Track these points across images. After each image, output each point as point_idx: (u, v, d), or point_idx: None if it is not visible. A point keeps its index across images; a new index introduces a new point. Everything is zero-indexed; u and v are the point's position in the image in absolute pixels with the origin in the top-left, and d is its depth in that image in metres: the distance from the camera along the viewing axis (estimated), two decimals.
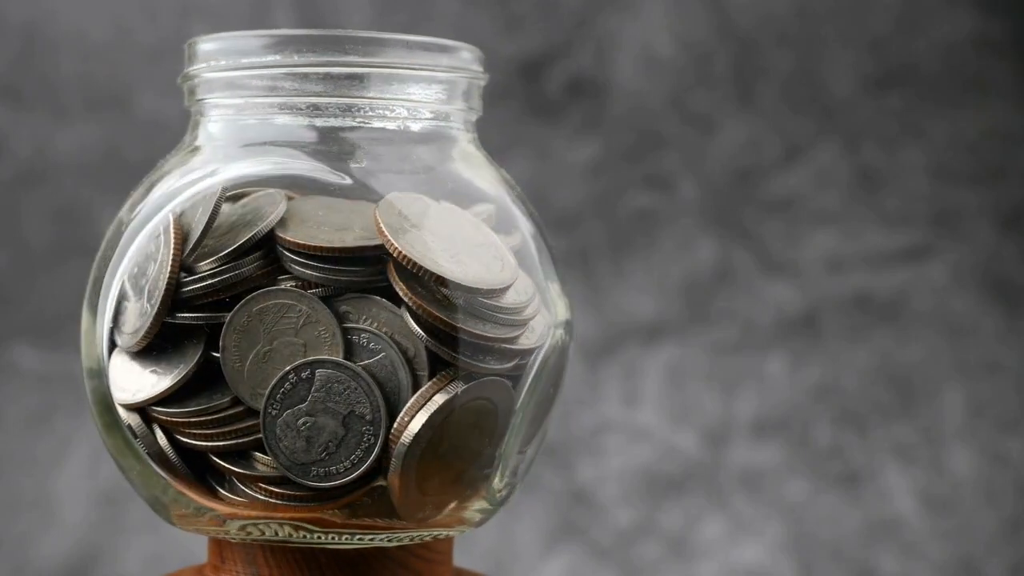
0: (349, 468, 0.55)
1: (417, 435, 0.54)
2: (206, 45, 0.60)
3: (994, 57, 1.20)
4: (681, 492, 1.15)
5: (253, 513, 0.56)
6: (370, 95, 0.58)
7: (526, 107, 1.19)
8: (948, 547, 1.14)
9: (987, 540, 1.14)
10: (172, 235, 0.55)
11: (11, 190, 1.16)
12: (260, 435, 0.54)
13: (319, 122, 0.59)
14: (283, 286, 0.55)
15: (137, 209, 0.59)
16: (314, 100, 0.58)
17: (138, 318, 0.56)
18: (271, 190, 0.57)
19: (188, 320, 0.55)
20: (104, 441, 0.59)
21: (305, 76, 0.58)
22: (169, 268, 0.55)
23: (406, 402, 0.55)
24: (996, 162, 1.19)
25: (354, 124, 0.59)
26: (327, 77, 0.58)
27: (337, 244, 0.55)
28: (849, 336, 1.18)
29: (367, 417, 0.54)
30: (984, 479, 1.15)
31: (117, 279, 0.57)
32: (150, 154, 0.63)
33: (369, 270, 0.55)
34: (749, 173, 1.19)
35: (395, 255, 0.55)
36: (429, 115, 0.60)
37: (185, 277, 0.55)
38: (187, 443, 0.55)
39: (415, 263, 0.55)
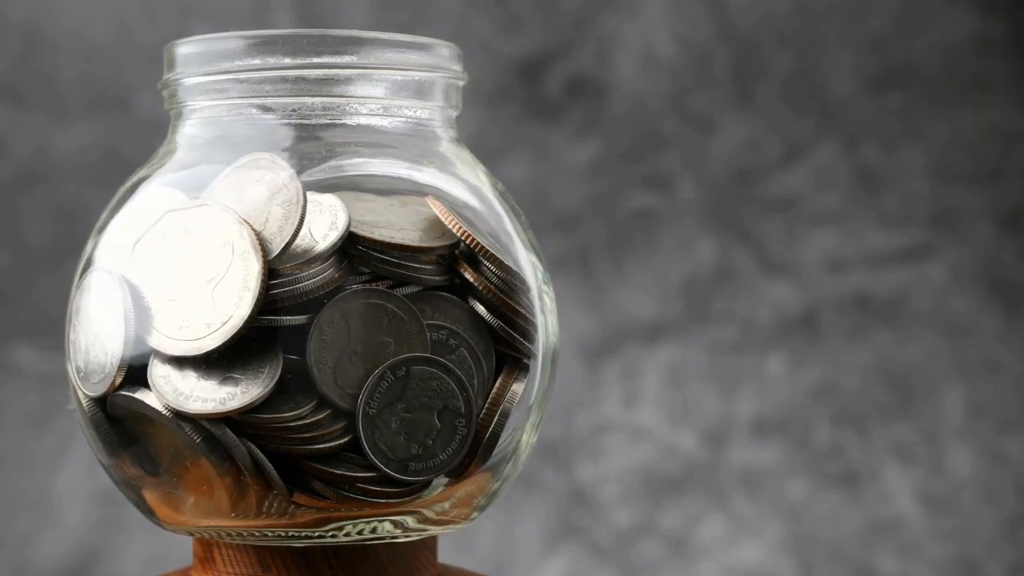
0: (445, 461, 0.56)
1: (503, 424, 0.57)
2: (181, 49, 0.60)
3: (994, 57, 1.20)
4: (681, 492, 1.15)
5: (350, 514, 0.56)
6: (348, 94, 0.59)
7: (526, 107, 1.19)
8: (948, 547, 1.14)
9: (987, 540, 1.14)
10: (252, 239, 0.55)
11: (11, 190, 1.16)
12: (351, 435, 0.55)
13: (297, 122, 0.59)
14: (372, 286, 0.55)
15: (133, 211, 0.59)
16: (292, 100, 0.58)
17: (209, 324, 0.54)
18: (321, 194, 0.57)
19: (273, 323, 0.54)
20: (103, 453, 0.58)
21: (283, 77, 0.58)
22: (260, 273, 0.54)
23: (485, 393, 0.57)
24: (996, 162, 1.19)
25: (333, 123, 0.59)
26: (305, 77, 0.58)
27: (416, 243, 0.56)
28: (849, 336, 1.18)
29: (460, 410, 0.56)
30: (984, 479, 1.15)
31: (140, 284, 0.56)
32: (150, 154, 0.63)
33: (440, 267, 0.57)
34: (749, 173, 1.19)
35: (479, 251, 0.57)
36: (407, 113, 0.60)
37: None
38: (276, 448, 0.55)
39: (497, 258, 0.57)
